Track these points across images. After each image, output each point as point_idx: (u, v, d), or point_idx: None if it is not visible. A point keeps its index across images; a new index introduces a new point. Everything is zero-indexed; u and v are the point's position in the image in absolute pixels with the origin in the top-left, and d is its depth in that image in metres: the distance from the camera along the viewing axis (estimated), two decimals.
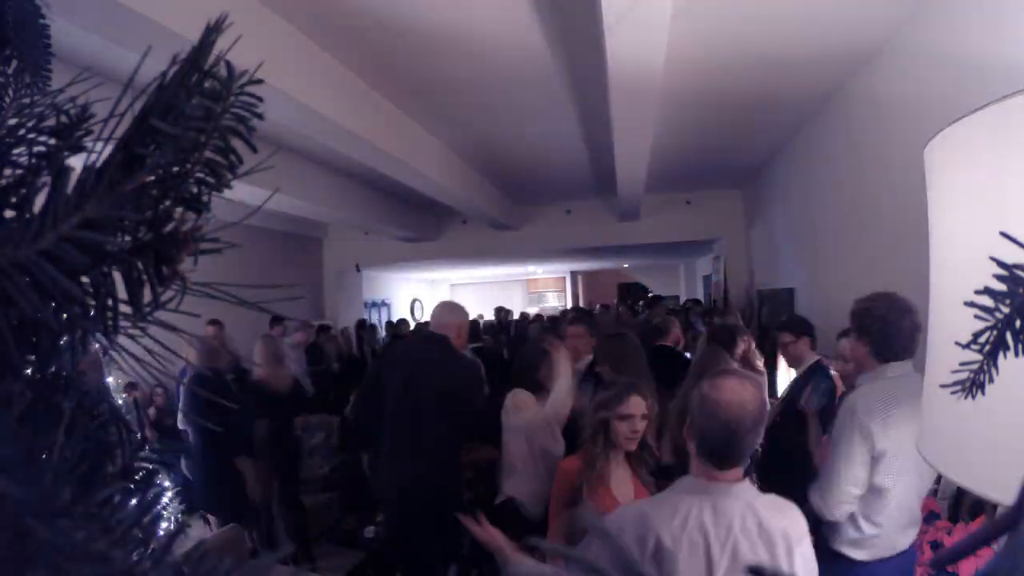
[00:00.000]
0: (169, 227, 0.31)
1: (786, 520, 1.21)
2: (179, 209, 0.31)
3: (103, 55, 2.36)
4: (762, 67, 3.39)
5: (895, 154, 2.93)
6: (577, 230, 7.99)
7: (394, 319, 9.03)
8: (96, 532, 0.25)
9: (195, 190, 0.31)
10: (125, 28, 2.07)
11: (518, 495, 2.42)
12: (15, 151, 0.32)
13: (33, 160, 0.32)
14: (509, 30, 2.92)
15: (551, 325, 5.27)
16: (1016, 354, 0.41)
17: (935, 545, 1.80)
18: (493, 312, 8.98)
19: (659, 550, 1.17)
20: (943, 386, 0.49)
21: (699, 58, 3.24)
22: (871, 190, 3.32)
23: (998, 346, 0.41)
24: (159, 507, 0.30)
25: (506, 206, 7.42)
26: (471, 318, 3.59)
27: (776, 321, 4.88)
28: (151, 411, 4.44)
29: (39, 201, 0.29)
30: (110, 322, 0.30)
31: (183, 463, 4.08)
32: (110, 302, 0.30)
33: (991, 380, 0.44)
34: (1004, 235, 0.42)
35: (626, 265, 14.08)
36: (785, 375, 3.44)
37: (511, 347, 5.31)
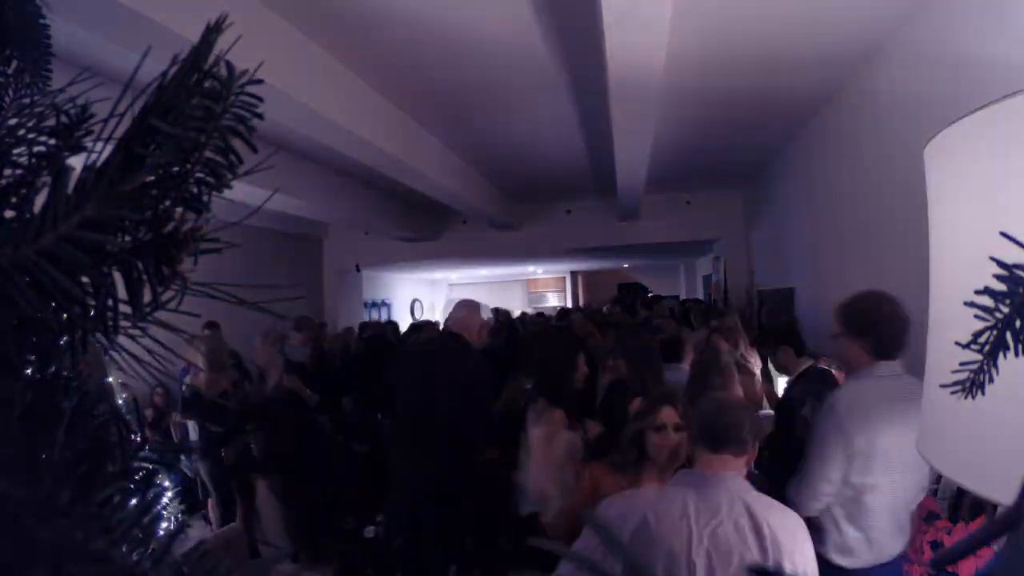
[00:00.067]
0: (169, 227, 0.31)
1: (777, 521, 1.21)
2: (179, 209, 0.31)
3: (103, 55, 2.36)
4: (762, 67, 3.39)
5: (895, 154, 2.93)
6: (577, 230, 7.99)
7: (394, 319, 9.03)
8: (96, 532, 0.25)
9: (195, 190, 0.31)
10: (125, 28, 2.07)
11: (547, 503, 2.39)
12: (15, 151, 0.32)
13: (33, 160, 0.32)
14: (509, 30, 2.92)
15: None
16: (1016, 354, 0.41)
17: (935, 545, 1.79)
18: (492, 312, 8.96)
19: (641, 530, 1.19)
20: (943, 386, 0.49)
21: (699, 58, 3.24)
22: (871, 190, 3.32)
23: (998, 346, 0.41)
24: (159, 507, 0.30)
25: (506, 206, 7.42)
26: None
27: (773, 323, 4.89)
28: (149, 412, 4.44)
29: (39, 201, 0.29)
30: (110, 322, 0.30)
31: (183, 463, 4.09)
32: (110, 302, 0.30)
33: (991, 380, 0.44)
34: (1004, 235, 0.42)
35: (626, 265, 14.07)
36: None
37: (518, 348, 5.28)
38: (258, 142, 0.34)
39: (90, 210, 0.27)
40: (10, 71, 0.44)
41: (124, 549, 0.25)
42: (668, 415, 1.75)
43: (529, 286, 15.41)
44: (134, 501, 0.28)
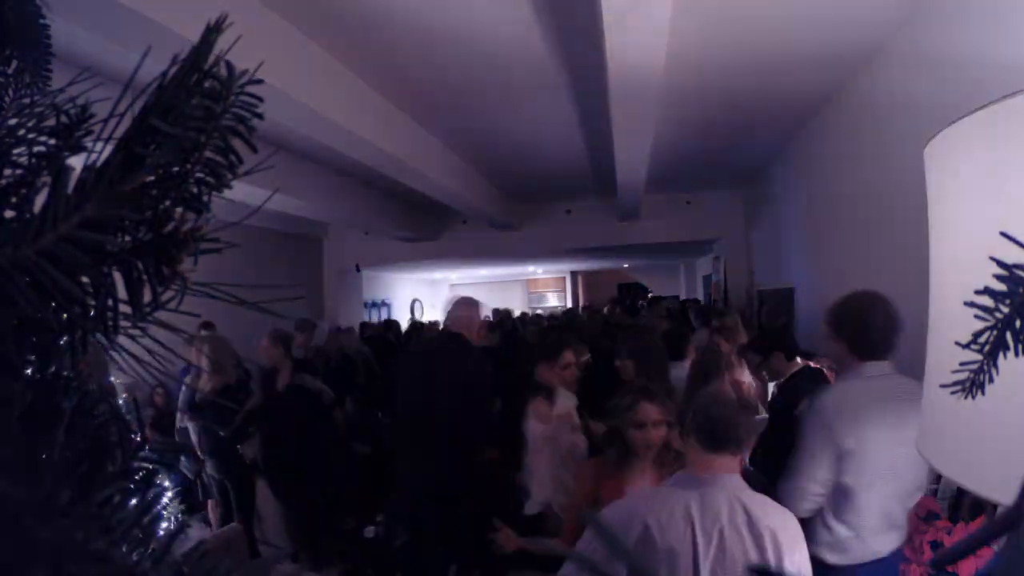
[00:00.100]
0: (169, 227, 0.31)
1: (776, 520, 1.21)
2: (179, 209, 0.31)
3: (103, 55, 2.36)
4: (762, 67, 3.39)
5: (895, 154, 2.93)
6: (577, 230, 7.99)
7: (394, 319, 9.03)
8: (96, 532, 0.25)
9: (195, 190, 0.31)
10: (125, 28, 2.07)
11: (551, 502, 2.40)
12: (15, 151, 0.32)
13: (33, 160, 0.32)
14: (509, 30, 2.92)
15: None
16: (1016, 354, 0.41)
17: (935, 545, 1.79)
18: (491, 314, 8.96)
19: (645, 538, 1.18)
20: (943, 386, 0.49)
21: (699, 58, 3.24)
22: (871, 190, 3.32)
23: (998, 346, 0.41)
24: (159, 507, 0.30)
25: (506, 206, 7.42)
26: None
27: (767, 327, 4.88)
28: (149, 411, 4.44)
29: (39, 201, 0.29)
30: (110, 322, 0.30)
31: (183, 463, 4.09)
32: (110, 302, 0.30)
33: (991, 380, 0.44)
34: (1004, 235, 0.42)
35: (626, 265, 14.07)
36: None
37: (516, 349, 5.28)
38: (258, 142, 0.34)
39: (90, 210, 0.27)
40: (10, 71, 0.44)
41: (124, 549, 0.25)
42: (647, 411, 1.73)
43: (529, 286, 15.41)
44: (134, 501, 0.28)
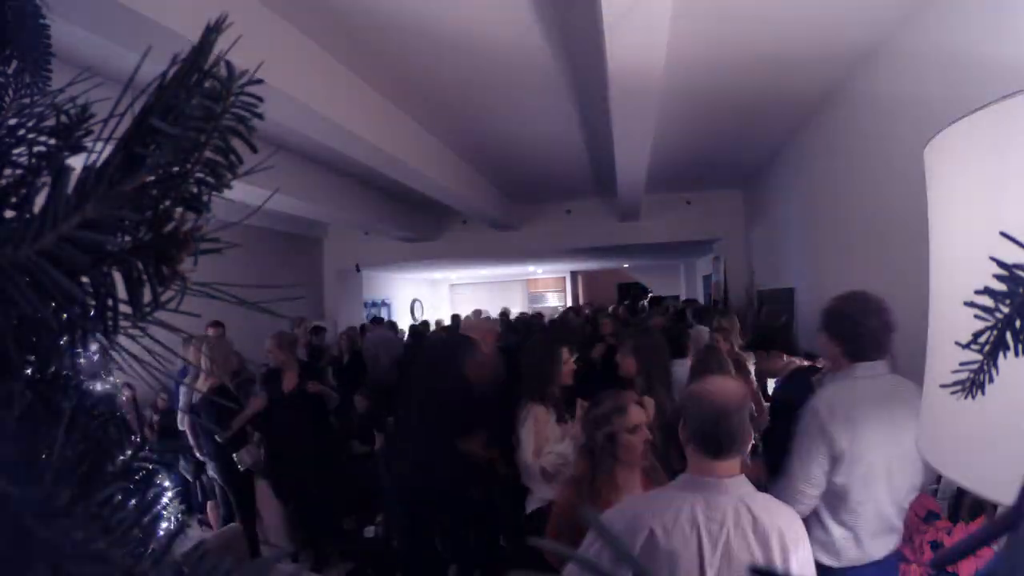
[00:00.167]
0: (169, 227, 0.31)
1: (782, 520, 1.20)
2: (179, 209, 0.31)
3: (103, 55, 2.36)
4: (762, 67, 3.39)
5: (895, 154, 2.93)
6: (577, 230, 7.99)
7: (394, 319, 9.04)
8: (96, 532, 0.25)
9: (195, 190, 0.31)
10: (125, 28, 2.07)
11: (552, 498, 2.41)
12: (15, 151, 0.32)
13: (33, 160, 0.32)
14: (509, 30, 2.92)
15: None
16: (1016, 354, 0.41)
17: (935, 545, 1.79)
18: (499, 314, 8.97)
19: (649, 544, 1.17)
20: (943, 386, 0.49)
21: (699, 58, 3.24)
22: (871, 190, 3.32)
23: (998, 346, 0.41)
24: (159, 507, 0.30)
25: (506, 206, 7.42)
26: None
27: (763, 328, 4.89)
28: (150, 412, 4.44)
29: (39, 201, 0.29)
30: (110, 322, 0.30)
31: (182, 463, 4.08)
32: (110, 302, 0.30)
33: (991, 380, 0.44)
34: (1004, 235, 0.42)
35: (626, 265, 14.07)
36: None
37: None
38: (258, 142, 0.34)
39: (90, 210, 0.27)
40: (10, 71, 0.44)
41: (124, 549, 0.25)
42: (638, 415, 1.77)
43: (529, 286, 15.41)
44: (134, 501, 0.28)
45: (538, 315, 8.75)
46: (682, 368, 3.02)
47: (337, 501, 4.09)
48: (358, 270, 8.86)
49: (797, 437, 1.72)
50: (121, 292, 0.30)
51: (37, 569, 0.23)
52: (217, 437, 3.54)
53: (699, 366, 2.75)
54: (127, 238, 0.30)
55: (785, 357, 2.83)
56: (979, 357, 0.43)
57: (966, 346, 0.43)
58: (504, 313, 8.95)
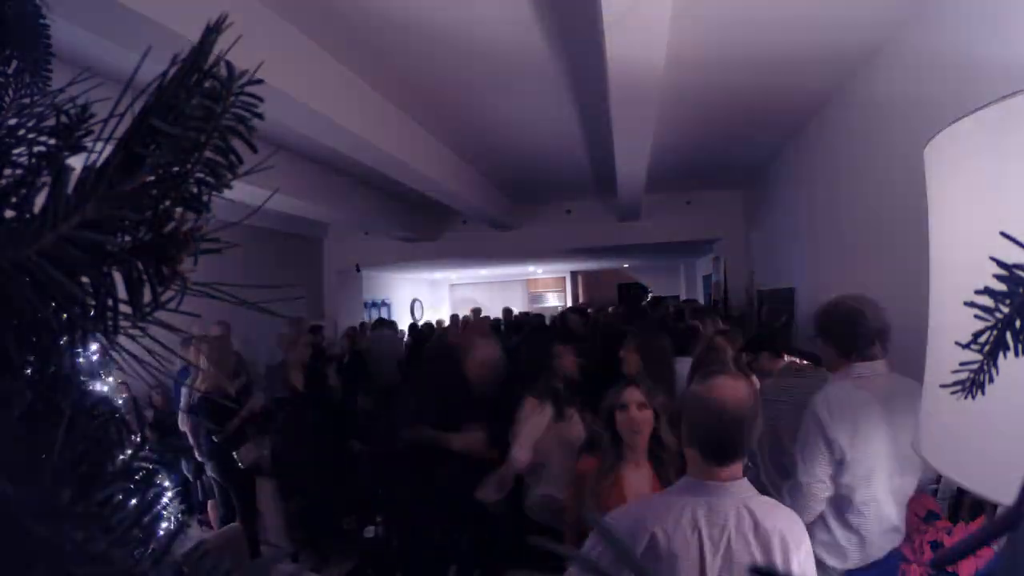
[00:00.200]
0: (169, 227, 0.31)
1: (783, 523, 1.20)
2: (179, 209, 0.31)
3: (103, 55, 2.36)
4: (762, 67, 3.39)
5: (895, 154, 2.93)
6: (577, 230, 7.99)
7: (394, 319, 9.03)
8: (96, 532, 0.25)
9: (195, 190, 0.31)
10: (125, 28, 2.07)
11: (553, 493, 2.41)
12: (15, 151, 0.32)
13: (33, 160, 0.32)
14: (509, 30, 2.92)
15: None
16: (1016, 354, 0.41)
17: (935, 545, 1.79)
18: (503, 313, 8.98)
19: (651, 547, 1.17)
20: (943, 386, 0.49)
21: (699, 58, 3.24)
22: (871, 190, 3.32)
23: (998, 346, 0.41)
24: (159, 507, 0.30)
25: (506, 206, 7.42)
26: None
27: (766, 326, 4.89)
28: (150, 412, 4.44)
29: (39, 201, 0.29)
30: (110, 322, 0.30)
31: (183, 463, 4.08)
32: (110, 302, 0.30)
33: (991, 380, 0.44)
34: (1004, 235, 0.42)
35: (626, 265, 14.07)
36: None
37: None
38: (258, 142, 0.34)
39: (90, 210, 0.27)
40: (10, 71, 0.44)
41: (124, 549, 0.25)
42: (631, 394, 1.80)
43: (529, 286, 15.40)
44: (134, 501, 0.28)
45: (539, 315, 8.75)
46: (684, 366, 3.02)
47: (337, 501, 4.09)
48: (358, 270, 8.86)
49: (800, 440, 1.73)
50: (121, 292, 0.30)
51: (37, 569, 0.23)
52: (214, 437, 3.54)
53: (699, 366, 2.75)
54: (127, 238, 0.30)
55: (786, 357, 2.84)
56: (979, 357, 0.43)
57: (966, 346, 0.43)
58: (507, 311, 8.95)
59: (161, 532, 0.28)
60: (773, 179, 5.91)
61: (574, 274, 15.09)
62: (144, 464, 0.35)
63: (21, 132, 0.33)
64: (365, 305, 9.79)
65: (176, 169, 0.30)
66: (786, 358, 2.91)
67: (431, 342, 3.27)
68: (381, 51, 3.16)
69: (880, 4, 2.69)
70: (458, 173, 5.46)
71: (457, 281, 15.43)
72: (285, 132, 3.79)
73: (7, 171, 0.32)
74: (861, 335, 1.71)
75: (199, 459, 3.80)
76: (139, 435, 0.37)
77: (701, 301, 9.26)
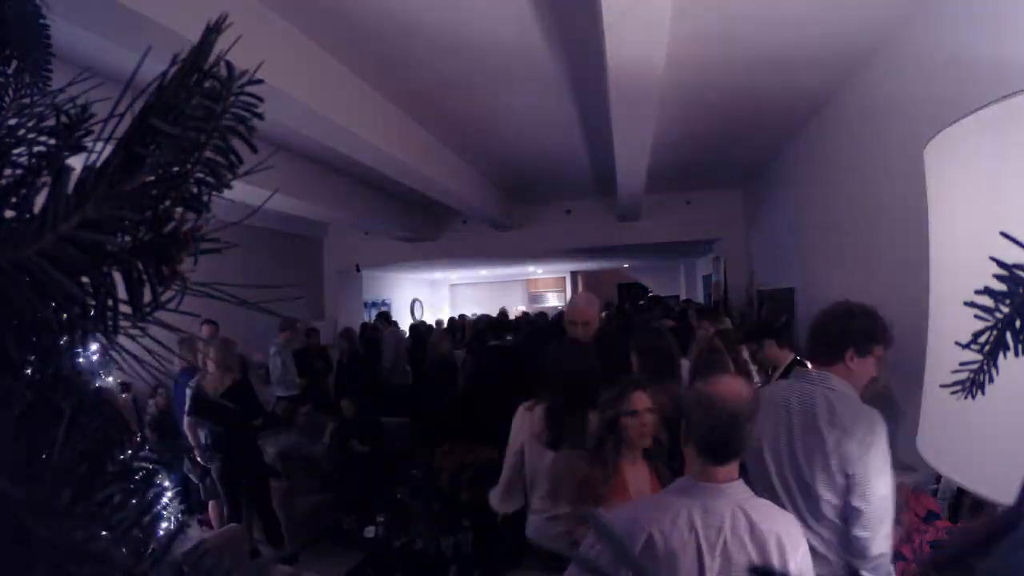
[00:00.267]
0: (169, 227, 0.31)
1: (780, 525, 1.21)
2: (179, 209, 0.31)
3: (103, 55, 2.36)
4: (762, 67, 3.39)
5: (895, 154, 2.93)
6: (577, 230, 7.99)
7: (394, 319, 9.03)
8: (96, 532, 0.25)
9: (195, 190, 0.31)
10: (125, 28, 2.07)
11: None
12: (15, 151, 0.32)
13: (33, 160, 0.32)
14: (509, 30, 2.92)
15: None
16: (1016, 354, 0.41)
17: (935, 545, 1.79)
18: (498, 313, 8.99)
19: (648, 548, 1.17)
20: (943, 386, 0.49)
21: (699, 58, 3.24)
22: (871, 190, 3.32)
23: (998, 346, 0.41)
24: (159, 507, 0.30)
25: (506, 206, 7.42)
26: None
27: (761, 322, 4.89)
28: (151, 411, 4.44)
29: (39, 201, 0.29)
30: (110, 322, 0.30)
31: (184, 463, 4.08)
32: (110, 302, 0.30)
33: (991, 380, 0.44)
34: (1004, 235, 0.42)
35: (626, 265, 14.07)
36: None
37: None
38: (258, 142, 0.34)
39: (90, 210, 0.27)
40: (10, 71, 0.44)
41: (124, 549, 0.25)
42: (640, 400, 1.76)
43: (529, 286, 15.41)
44: (134, 501, 0.28)
45: (541, 314, 8.75)
46: (683, 366, 3.02)
47: (337, 501, 4.09)
48: (358, 270, 8.86)
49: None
50: (121, 292, 0.30)
51: (37, 569, 0.23)
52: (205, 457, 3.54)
53: (699, 366, 2.75)
54: (127, 238, 0.30)
55: (786, 350, 2.85)
56: (979, 357, 0.43)
57: (966, 346, 0.43)
58: (503, 312, 8.96)
59: (161, 532, 0.28)
60: (773, 179, 5.91)
61: (574, 274, 15.09)
62: (144, 464, 0.35)
63: (21, 132, 0.33)
64: (365, 305, 9.79)
65: (176, 169, 0.30)
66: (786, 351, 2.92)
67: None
68: (381, 51, 3.16)
69: (880, 4, 2.69)
70: (458, 173, 5.46)
71: (457, 281, 15.43)
72: (285, 132, 3.79)
73: (7, 171, 0.32)
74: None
75: (201, 461, 3.80)
76: (139, 435, 0.37)
77: (701, 301, 9.25)
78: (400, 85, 3.66)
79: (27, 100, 0.44)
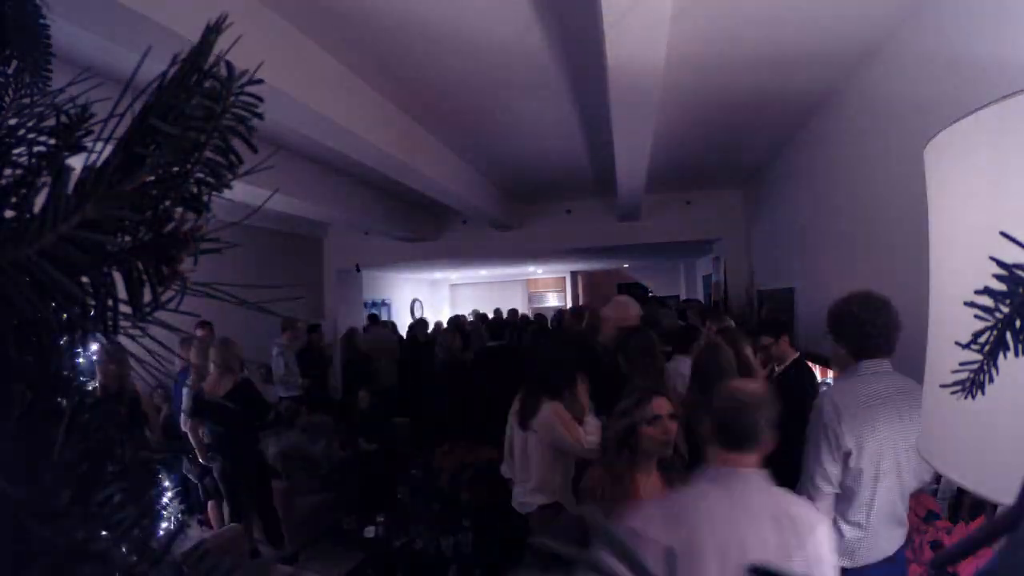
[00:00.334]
0: (169, 227, 0.31)
1: (798, 509, 1.25)
2: (179, 209, 0.31)
3: (103, 55, 2.36)
4: (762, 67, 3.38)
5: (895, 154, 2.93)
6: (577, 230, 7.99)
7: (394, 319, 9.03)
8: (96, 532, 0.25)
9: (195, 190, 0.31)
10: (125, 28, 2.07)
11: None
12: (15, 151, 0.32)
13: (33, 160, 0.32)
14: (509, 30, 2.92)
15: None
16: (1016, 354, 0.41)
17: (935, 545, 1.79)
18: (493, 313, 9.00)
19: (688, 538, 1.19)
20: (943, 386, 0.49)
21: (699, 58, 3.23)
22: (871, 190, 3.32)
23: (998, 346, 0.41)
24: (159, 507, 0.30)
25: (506, 206, 7.42)
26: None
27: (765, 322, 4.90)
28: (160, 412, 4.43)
29: (39, 201, 0.29)
30: (110, 322, 0.30)
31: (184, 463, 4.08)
32: (110, 302, 0.30)
33: (991, 380, 0.44)
34: (1004, 235, 0.42)
35: (626, 265, 14.07)
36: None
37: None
38: (258, 142, 0.34)
39: (90, 210, 0.27)
40: (10, 71, 0.44)
41: (124, 549, 0.25)
42: (661, 405, 1.75)
43: (529, 286, 15.40)
44: (134, 501, 0.28)
45: (539, 315, 8.75)
46: (685, 366, 3.02)
47: (337, 501, 4.09)
48: (358, 270, 8.85)
49: (808, 438, 1.74)
50: (121, 292, 0.30)
51: (37, 569, 0.23)
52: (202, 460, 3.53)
53: (699, 366, 2.74)
54: (127, 238, 0.30)
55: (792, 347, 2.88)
56: (979, 357, 0.43)
57: (966, 346, 0.43)
58: (497, 312, 8.99)
59: (161, 532, 0.28)
60: (773, 179, 5.91)
61: (574, 274, 15.09)
62: (144, 464, 0.35)
63: (21, 132, 0.33)
64: (365, 305, 9.78)
65: (176, 169, 0.30)
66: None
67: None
68: (381, 51, 3.16)
69: (879, 4, 2.69)
70: (458, 173, 5.45)
71: (457, 281, 15.42)
72: (285, 132, 3.79)
73: (7, 171, 0.32)
74: (874, 334, 1.72)
75: (201, 461, 3.80)
76: (139, 435, 0.37)
77: (701, 301, 9.25)
78: (400, 85, 3.66)
79: (27, 100, 0.44)
